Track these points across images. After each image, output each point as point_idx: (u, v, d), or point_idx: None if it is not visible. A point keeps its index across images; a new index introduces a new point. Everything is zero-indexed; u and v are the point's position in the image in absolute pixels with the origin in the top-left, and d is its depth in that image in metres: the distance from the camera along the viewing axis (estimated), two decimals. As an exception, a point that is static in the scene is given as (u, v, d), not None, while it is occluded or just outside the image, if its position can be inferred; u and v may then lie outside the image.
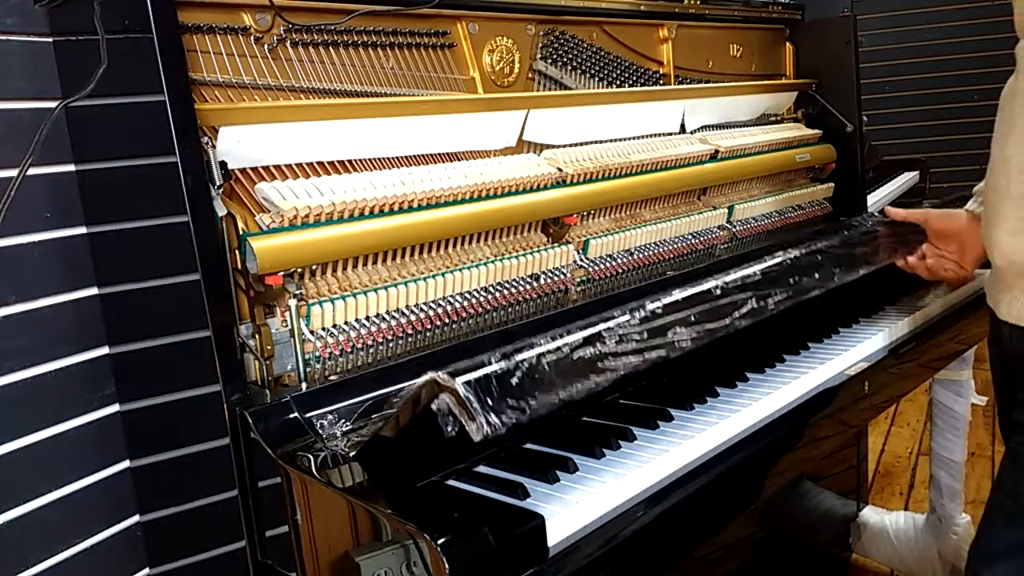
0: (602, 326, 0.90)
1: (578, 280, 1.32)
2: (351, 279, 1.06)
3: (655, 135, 1.54)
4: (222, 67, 1.01)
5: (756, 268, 1.12)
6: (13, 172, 0.92)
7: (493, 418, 0.74)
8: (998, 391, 1.16)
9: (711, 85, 1.69)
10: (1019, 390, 1.08)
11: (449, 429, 0.74)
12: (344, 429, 0.93)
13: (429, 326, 1.10)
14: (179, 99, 0.88)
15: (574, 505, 0.83)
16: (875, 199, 2.63)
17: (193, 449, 0.99)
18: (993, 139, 1.06)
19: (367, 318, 1.05)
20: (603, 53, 1.49)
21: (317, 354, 1.00)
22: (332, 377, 1.00)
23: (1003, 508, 1.08)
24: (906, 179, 3.09)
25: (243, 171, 1.00)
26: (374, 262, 1.08)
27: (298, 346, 0.99)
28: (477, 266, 1.16)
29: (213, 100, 1.00)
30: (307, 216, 0.99)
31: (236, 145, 0.97)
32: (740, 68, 1.80)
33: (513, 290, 1.20)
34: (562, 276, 1.27)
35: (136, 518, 1.05)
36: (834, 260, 1.22)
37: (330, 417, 0.93)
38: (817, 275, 1.19)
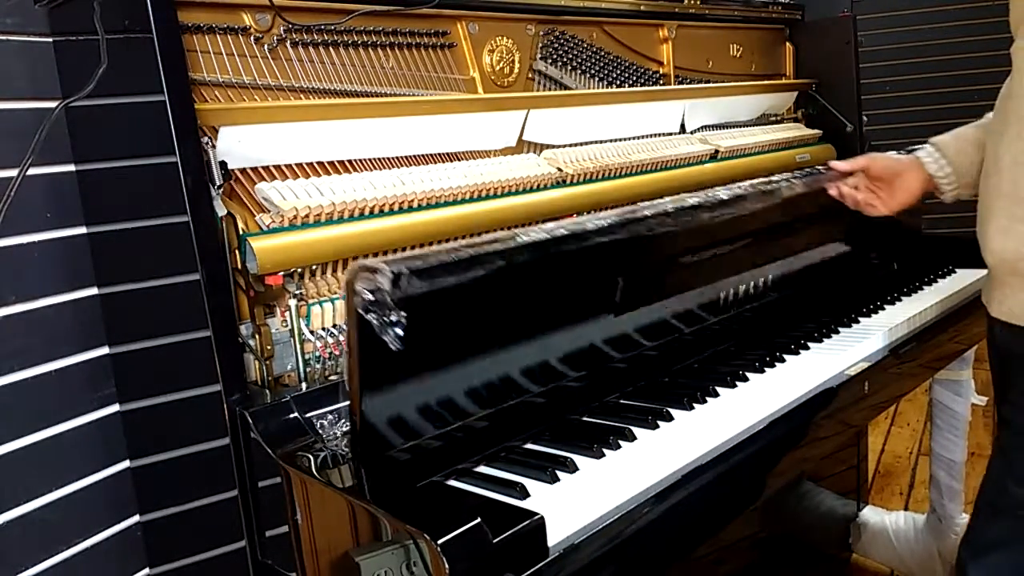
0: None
1: (578, 280, 1.32)
2: (351, 279, 1.05)
3: (655, 135, 1.54)
4: (222, 67, 1.01)
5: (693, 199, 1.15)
6: (13, 172, 0.92)
7: (400, 267, 0.78)
8: (994, 388, 1.17)
9: (711, 85, 1.69)
10: (1009, 387, 1.09)
11: (371, 318, 0.77)
12: (344, 429, 0.92)
13: (429, 326, 1.10)
14: (179, 99, 0.88)
15: (574, 505, 0.83)
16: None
17: (193, 449, 0.99)
18: (987, 139, 1.06)
19: (367, 318, 1.04)
20: (603, 53, 1.49)
21: (317, 354, 1.00)
22: (332, 377, 1.00)
23: (990, 502, 1.09)
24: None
25: (243, 171, 1.00)
26: (374, 262, 1.08)
27: (298, 346, 0.99)
28: (477, 266, 1.16)
29: (213, 100, 1.00)
30: (307, 216, 0.99)
31: (236, 145, 0.97)
32: (740, 68, 1.80)
33: (513, 290, 1.20)
34: (562, 276, 1.27)
35: (136, 518, 1.05)
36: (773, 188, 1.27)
37: (330, 417, 0.93)
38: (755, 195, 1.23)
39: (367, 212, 1.05)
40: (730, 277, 1.33)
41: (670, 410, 1.03)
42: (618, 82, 1.50)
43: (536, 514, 0.77)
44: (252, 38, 1.04)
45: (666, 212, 1.09)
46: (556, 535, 0.79)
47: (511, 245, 0.90)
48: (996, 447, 1.12)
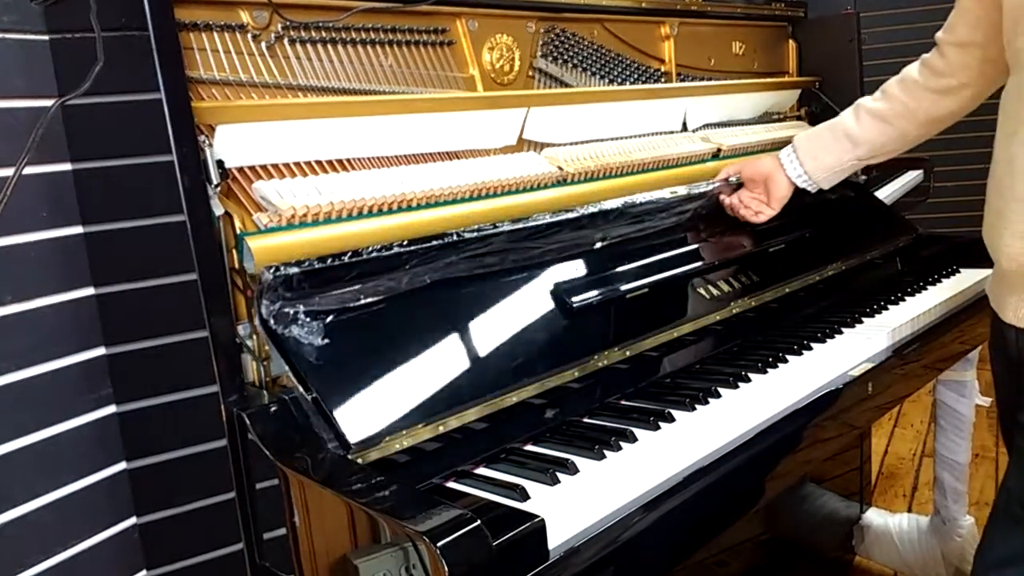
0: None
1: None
2: (350, 279, 1.05)
3: (657, 133, 1.53)
4: (219, 65, 1.00)
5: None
6: (9, 171, 0.91)
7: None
8: (1001, 393, 1.15)
9: (713, 83, 1.68)
10: None
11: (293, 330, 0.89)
12: (342, 430, 0.91)
13: (429, 326, 1.09)
14: (176, 97, 0.88)
15: (575, 507, 0.83)
16: (879, 197, 2.61)
17: (191, 450, 0.98)
18: (996, 140, 1.04)
19: (366, 318, 1.04)
20: (604, 51, 1.48)
21: (315, 354, 0.99)
22: (331, 378, 0.99)
23: (1010, 512, 1.06)
24: (910, 178, 3.07)
25: (240, 170, 0.99)
26: (373, 262, 1.07)
27: (296, 346, 0.98)
28: (477, 266, 1.15)
29: (210, 98, 0.99)
30: (305, 215, 0.98)
31: (233, 143, 0.96)
32: (742, 66, 1.79)
33: (514, 290, 1.19)
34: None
35: (133, 520, 1.04)
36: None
37: (328, 418, 0.92)
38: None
39: (366, 211, 1.04)
40: (731, 277, 1.32)
41: (671, 411, 1.03)
42: (619, 80, 1.49)
43: (536, 516, 0.76)
44: (249, 35, 1.03)
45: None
46: (556, 537, 0.78)
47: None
48: (1014, 454, 1.09)
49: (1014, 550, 1.05)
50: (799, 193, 1.37)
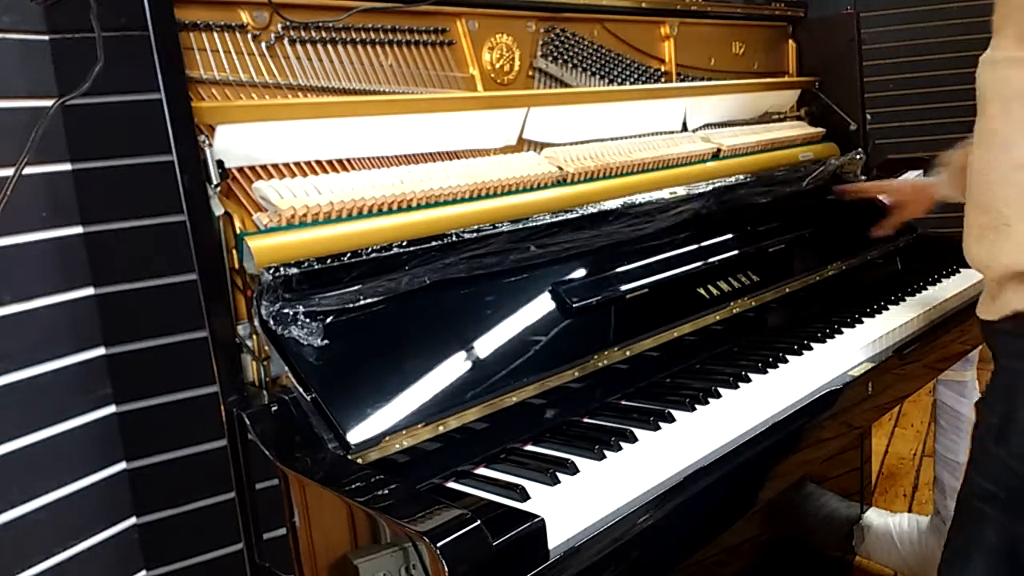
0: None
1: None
2: (350, 279, 1.04)
3: (657, 133, 1.53)
4: (219, 65, 1.00)
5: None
6: (9, 171, 0.91)
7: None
8: None
9: (713, 83, 1.68)
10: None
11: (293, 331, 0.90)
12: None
13: (429, 326, 1.09)
14: (176, 97, 0.88)
15: (575, 507, 0.82)
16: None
17: (190, 451, 0.98)
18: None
19: (366, 318, 1.03)
20: (604, 51, 1.48)
21: (315, 354, 0.99)
22: (330, 378, 0.99)
23: (959, 506, 1.08)
24: (910, 177, 3.07)
25: (240, 170, 0.99)
26: (373, 262, 1.07)
27: (296, 346, 0.98)
28: (477, 266, 1.15)
29: (210, 98, 0.99)
30: (305, 215, 0.98)
31: (233, 143, 0.96)
32: (742, 66, 1.79)
33: (513, 290, 1.19)
34: (563, 276, 1.26)
35: (133, 520, 1.04)
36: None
37: (328, 418, 0.92)
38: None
39: (365, 211, 1.04)
40: (731, 277, 1.32)
41: (672, 411, 1.02)
42: (619, 80, 1.49)
43: (536, 516, 0.76)
44: (249, 35, 1.03)
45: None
46: (557, 537, 0.78)
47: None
48: None
49: (957, 545, 1.06)
50: (798, 193, 1.36)
